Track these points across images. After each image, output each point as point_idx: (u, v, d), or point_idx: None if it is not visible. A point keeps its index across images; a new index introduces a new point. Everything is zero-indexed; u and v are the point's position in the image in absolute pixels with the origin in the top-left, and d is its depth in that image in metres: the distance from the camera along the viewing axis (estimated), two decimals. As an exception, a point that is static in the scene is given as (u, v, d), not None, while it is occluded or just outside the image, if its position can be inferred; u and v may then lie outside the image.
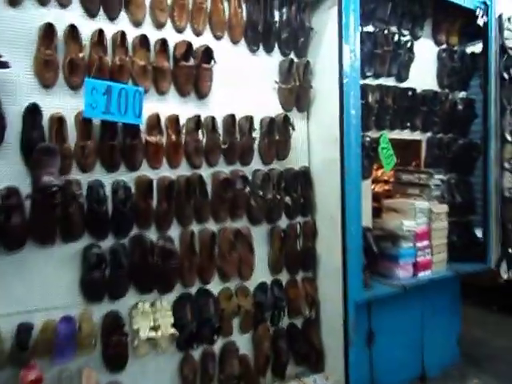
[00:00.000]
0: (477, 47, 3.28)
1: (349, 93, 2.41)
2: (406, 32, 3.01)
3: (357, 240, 2.50)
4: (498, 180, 3.20)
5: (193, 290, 2.28)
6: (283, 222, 2.58)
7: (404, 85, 3.02)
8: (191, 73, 2.20)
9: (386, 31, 2.86)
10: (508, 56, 3.12)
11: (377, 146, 2.85)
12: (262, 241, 2.52)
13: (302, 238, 2.62)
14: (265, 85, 2.51)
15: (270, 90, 2.54)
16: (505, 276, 3.25)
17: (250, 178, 2.42)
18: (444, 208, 3.06)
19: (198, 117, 2.23)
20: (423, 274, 2.95)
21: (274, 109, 2.53)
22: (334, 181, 2.48)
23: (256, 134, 2.42)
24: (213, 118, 2.28)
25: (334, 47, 2.42)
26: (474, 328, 3.79)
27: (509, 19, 3.13)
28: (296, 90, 2.54)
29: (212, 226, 2.32)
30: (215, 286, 2.35)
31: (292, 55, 2.57)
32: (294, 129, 2.53)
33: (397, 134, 3.07)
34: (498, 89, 3.15)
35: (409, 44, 2.99)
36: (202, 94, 2.27)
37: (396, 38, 2.93)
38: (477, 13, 3.05)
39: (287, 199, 2.54)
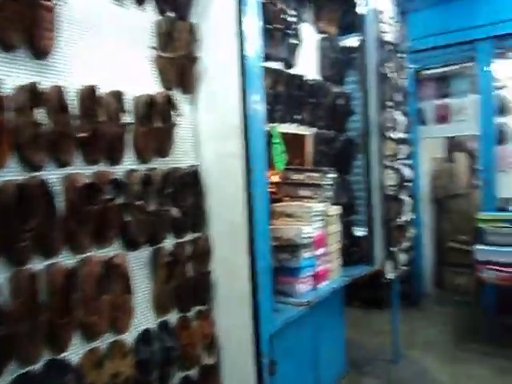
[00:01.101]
0: (355, 40, 3.13)
1: (251, 71, 1.88)
2: (293, 12, 2.63)
3: (266, 257, 1.98)
4: (380, 178, 3.09)
5: (38, 366, 1.41)
6: (169, 242, 1.88)
7: (292, 72, 2.65)
8: (22, 12, 1.34)
9: (275, 6, 2.42)
10: (385, 50, 3.04)
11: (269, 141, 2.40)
12: (142, 271, 1.77)
13: (194, 260, 1.97)
14: (137, 50, 1.78)
15: (145, 59, 1.81)
16: (390, 276, 3.17)
17: (124, 182, 1.66)
18: (337, 209, 2.80)
19: (35, 85, 1.38)
20: (323, 285, 2.62)
21: (151, 85, 1.82)
22: (233, 183, 1.91)
23: (128, 119, 1.68)
24: (60, 90, 1.45)
25: (229, 7, 1.85)
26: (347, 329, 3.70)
27: (382, 12, 3.05)
28: (180, 62, 1.88)
29: (67, 258, 1.49)
30: (76, 351, 1.52)
31: (172, 14, 1.89)
32: (179, 114, 1.86)
33: (287, 128, 2.67)
34: (376, 84, 3.05)
35: (296, 26, 2.63)
36: (40, 50, 1.42)
37: (284, 15, 2.52)
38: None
39: (174, 210, 1.86)
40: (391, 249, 3.15)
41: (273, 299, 2.04)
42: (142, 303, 1.76)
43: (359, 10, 2.94)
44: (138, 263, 1.75)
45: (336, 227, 2.79)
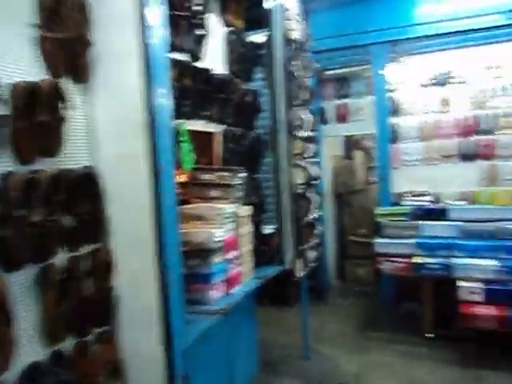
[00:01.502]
0: (262, 35, 3.06)
1: (156, 62, 1.68)
2: (198, 0, 2.46)
3: (177, 266, 1.81)
4: (289, 176, 3.08)
5: None
6: (61, 257, 1.60)
7: (199, 65, 2.48)
8: None
9: (179, -9, 2.23)
10: (292, 48, 3.02)
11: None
12: (27, 295, 1.48)
13: (93, 276, 1.71)
14: (15, 27, 1.47)
15: (25, 40, 1.51)
16: (300, 275, 3.18)
17: (-1, 188, 1.36)
18: (248, 210, 2.70)
19: None
20: (236, 290, 2.51)
21: (33, 71, 1.52)
22: (137, 187, 1.70)
23: (4, 111, 1.37)
24: None
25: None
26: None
27: (288, 9, 3.03)
28: (70, 45, 1.60)
29: None
30: None
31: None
32: (70, 106, 1.58)
33: (194, 125, 2.50)
34: (284, 82, 3.01)
35: (202, 16, 2.46)
36: None
37: (189, 3, 2.34)
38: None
39: (66, 219, 1.59)
40: (301, 247, 3.16)
41: (184, 311, 1.87)
42: (29, 333, 1.47)
43: (266, 4, 2.88)
44: (21, 286, 1.45)
45: (248, 228, 2.69)
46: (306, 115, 3.31)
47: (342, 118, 5.14)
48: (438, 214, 4.12)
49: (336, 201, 5.64)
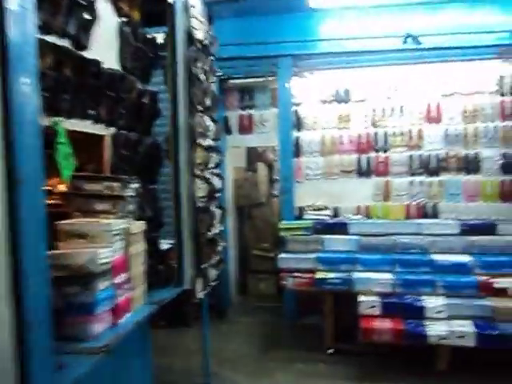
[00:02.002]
0: (163, 32, 2.76)
1: (18, 42, 1.31)
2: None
3: (42, 299, 1.42)
4: (190, 188, 2.80)
5: None
6: None
7: (85, 55, 2.11)
8: None
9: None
10: (195, 49, 2.78)
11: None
12: None
13: None
14: None
15: None
16: (200, 296, 2.90)
17: None
18: (141, 226, 2.37)
19: None
20: (125, 319, 2.15)
21: None
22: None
23: None
24: None
25: None
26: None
27: (193, 7, 2.79)
28: None
29: None
30: None
31: None
32: None
33: (77, 125, 2.11)
34: (186, 85, 2.75)
35: (90, -2, 2.10)
36: None
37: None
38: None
39: None
40: (202, 266, 2.89)
41: (53, 354, 1.48)
42: None
43: (168, -2, 2.60)
44: None
45: (140, 247, 2.35)
46: (209, 123, 3.07)
47: (245, 128, 5.02)
48: (339, 229, 4.17)
49: (238, 214, 5.48)
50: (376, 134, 4.64)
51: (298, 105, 4.75)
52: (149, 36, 2.77)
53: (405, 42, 3.87)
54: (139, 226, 2.34)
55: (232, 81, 4.79)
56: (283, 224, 4.32)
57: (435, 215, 4.53)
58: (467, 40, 4.15)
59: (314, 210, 4.68)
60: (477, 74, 4.41)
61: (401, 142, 4.61)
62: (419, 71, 4.46)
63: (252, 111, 4.97)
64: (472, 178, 4.50)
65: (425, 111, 4.55)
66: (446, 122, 4.53)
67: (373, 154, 4.66)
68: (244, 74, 4.69)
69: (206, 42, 3.02)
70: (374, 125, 4.64)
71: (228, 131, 4.99)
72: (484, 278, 3.50)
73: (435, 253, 3.82)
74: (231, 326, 4.48)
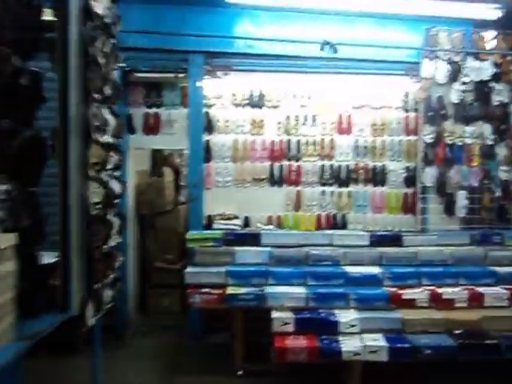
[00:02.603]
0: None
1: None
2: None
3: None
4: (82, 192, 2.31)
5: None
6: None
7: None
8: None
9: None
10: (94, 25, 2.31)
11: None
12: None
13: None
14: None
15: None
16: (92, 322, 2.40)
17: None
18: (11, 239, 1.84)
19: None
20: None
21: None
22: None
23: None
24: None
25: None
26: None
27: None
28: None
29: None
30: None
31: None
32: None
33: None
34: (81, 66, 2.27)
35: None
36: None
37: None
38: None
39: None
40: (94, 286, 2.41)
41: None
42: None
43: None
44: None
45: (9, 266, 1.82)
46: (108, 116, 2.61)
47: (151, 129, 4.55)
48: (250, 239, 3.92)
49: (139, 223, 4.96)
50: (289, 141, 4.52)
51: (209, 106, 4.43)
52: (32, 3, 2.24)
53: (322, 49, 3.78)
54: (8, 239, 1.82)
55: (137, 74, 4.31)
56: (191, 234, 3.94)
57: (344, 226, 4.54)
58: (378, 54, 4.23)
59: (224, 219, 4.39)
60: (386, 89, 4.53)
61: (313, 151, 4.55)
62: (333, 81, 4.45)
63: (159, 110, 4.53)
64: (379, 189, 4.60)
65: (336, 122, 4.54)
66: (356, 133, 4.57)
67: (285, 163, 4.53)
68: (151, 67, 4.24)
69: (108, 20, 2.56)
70: (288, 132, 4.52)
71: (131, 130, 4.48)
72: (393, 289, 3.51)
73: (347, 265, 3.76)
74: (129, 350, 3.95)
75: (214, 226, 4.31)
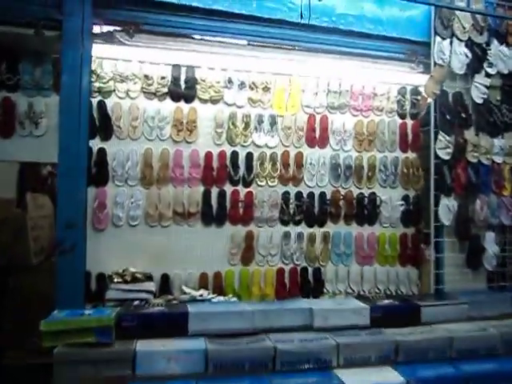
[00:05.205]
0: None
1: None
2: None
3: None
4: None
5: None
6: None
7: None
8: None
9: None
10: None
11: None
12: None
13: None
14: None
15: None
16: None
17: None
18: None
19: None
20: None
21: None
22: None
23: None
24: None
25: None
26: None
27: None
28: None
29: None
30: None
31: None
32: None
33: None
34: None
35: None
36: None
37: None
38: None
39: None
40: None
41: None
42: None
43: None
44: None
45: None
46: None
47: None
48: (169, 325, 2.14)
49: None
50: (234, 155, 2.90)
51: (104, 93, 2.70)
52: None
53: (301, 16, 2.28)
54: None
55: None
56: (49, 322, 2.03)
57: (318, 286, 2.96)
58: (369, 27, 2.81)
59: (127, 281, 2.60)
60: (377, 81, 3.13)
61: (271, 170, 2.95)
62: (304, 65, 2.97)
63: (13, 95, 2.66)
64: (367, 230, 3.10)
65: (306, 127, 3.03)
66: (334, 146, 3.08)
67: (229, 188, 2.89)
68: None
69: None
70: (232, 141, 2.91)
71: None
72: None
73: (343, 367, 2.12)
74: None
75: (109, 293, 2.52)
